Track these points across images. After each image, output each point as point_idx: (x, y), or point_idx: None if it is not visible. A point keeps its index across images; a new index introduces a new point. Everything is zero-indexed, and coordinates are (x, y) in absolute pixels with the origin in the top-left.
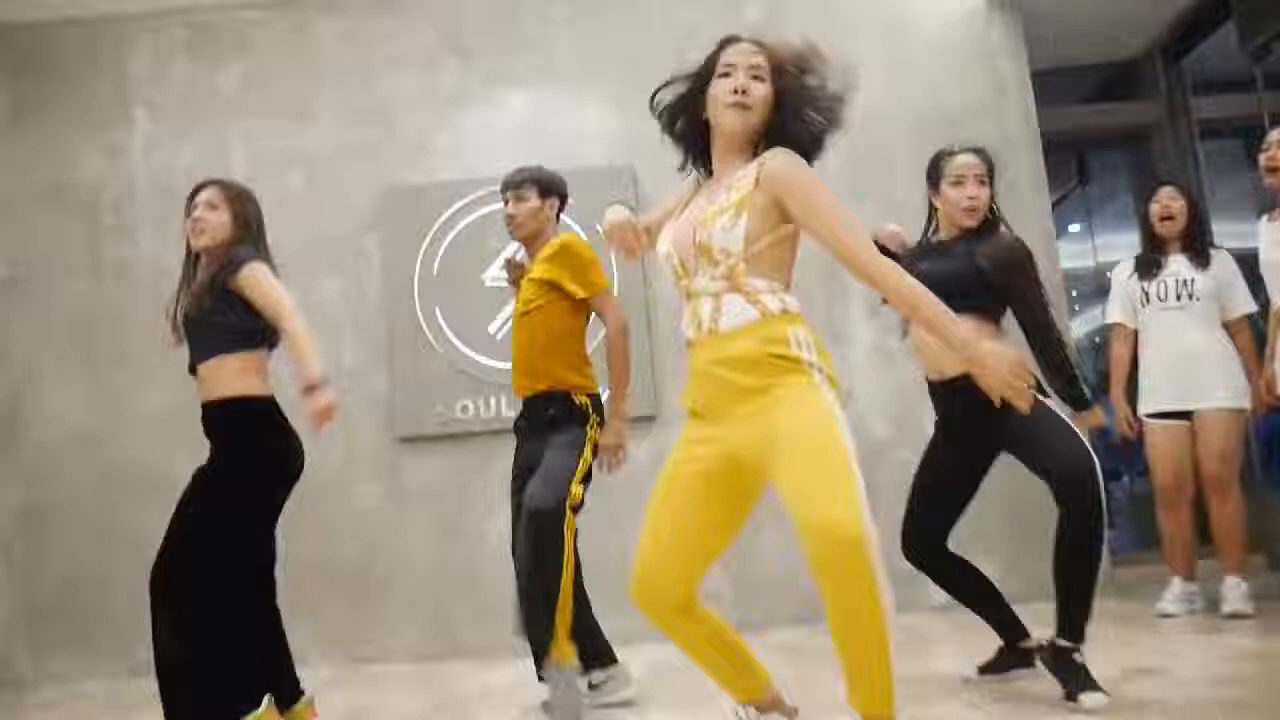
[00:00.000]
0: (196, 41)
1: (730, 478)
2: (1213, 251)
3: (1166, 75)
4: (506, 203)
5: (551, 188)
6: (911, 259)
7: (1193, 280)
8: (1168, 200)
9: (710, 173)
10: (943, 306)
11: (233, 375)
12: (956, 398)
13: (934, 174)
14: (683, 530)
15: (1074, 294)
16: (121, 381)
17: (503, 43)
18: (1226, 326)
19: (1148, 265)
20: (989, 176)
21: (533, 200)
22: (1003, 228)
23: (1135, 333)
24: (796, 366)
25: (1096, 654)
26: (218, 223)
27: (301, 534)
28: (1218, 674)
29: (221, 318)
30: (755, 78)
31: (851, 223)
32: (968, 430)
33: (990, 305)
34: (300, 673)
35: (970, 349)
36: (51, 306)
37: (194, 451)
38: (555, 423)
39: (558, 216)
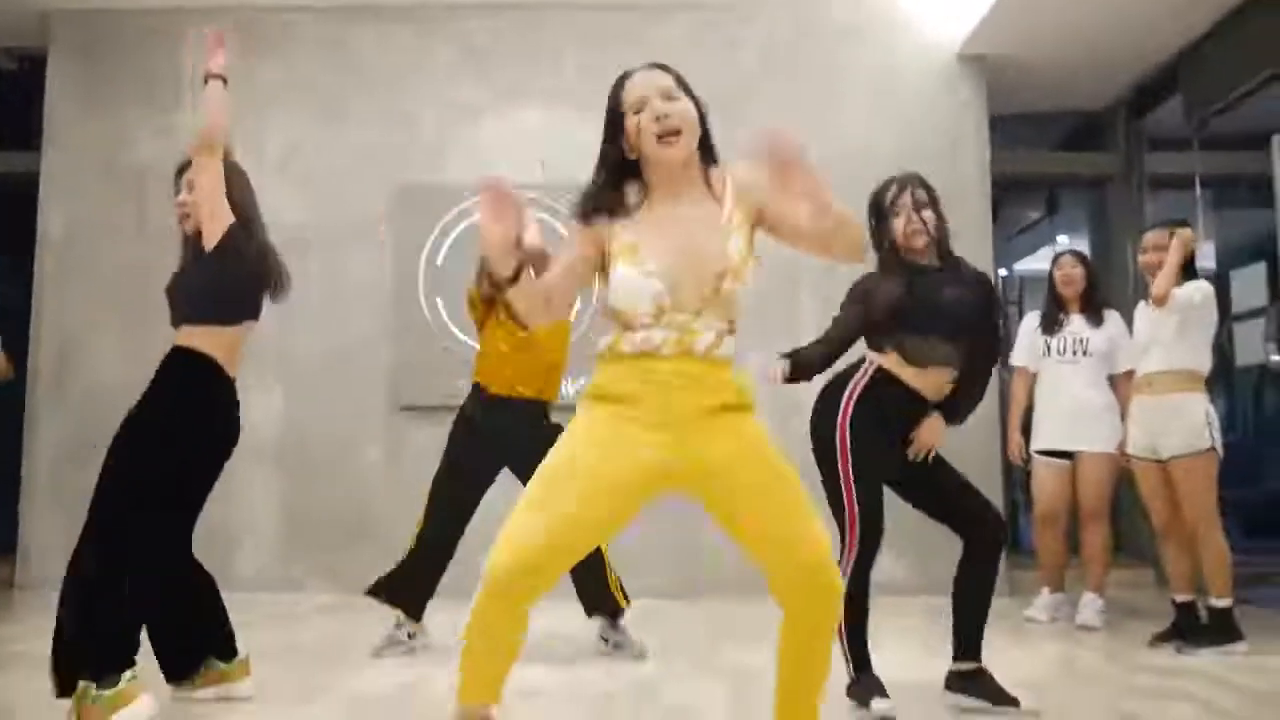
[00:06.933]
0: (243, 38)
1: (656, 482)
2: (1106, 313)
3: (1127, 129)
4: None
5: None
6: (909, 279)
7: (1088, 339)
8: (1069, 268)
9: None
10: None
11: (193, 337)
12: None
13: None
14: (587, 519)
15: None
16: (156, 338)
17: (519, 60)
18: (1112, 379)
19: (1050, 321)
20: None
21: None
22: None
23: (1034, 376)
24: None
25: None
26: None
27: (308, 484)
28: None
29: (194, 279)
30: (670, 98)
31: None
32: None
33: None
34: (296, 598)
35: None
36: (101, 267)
37: None
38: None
39: None
